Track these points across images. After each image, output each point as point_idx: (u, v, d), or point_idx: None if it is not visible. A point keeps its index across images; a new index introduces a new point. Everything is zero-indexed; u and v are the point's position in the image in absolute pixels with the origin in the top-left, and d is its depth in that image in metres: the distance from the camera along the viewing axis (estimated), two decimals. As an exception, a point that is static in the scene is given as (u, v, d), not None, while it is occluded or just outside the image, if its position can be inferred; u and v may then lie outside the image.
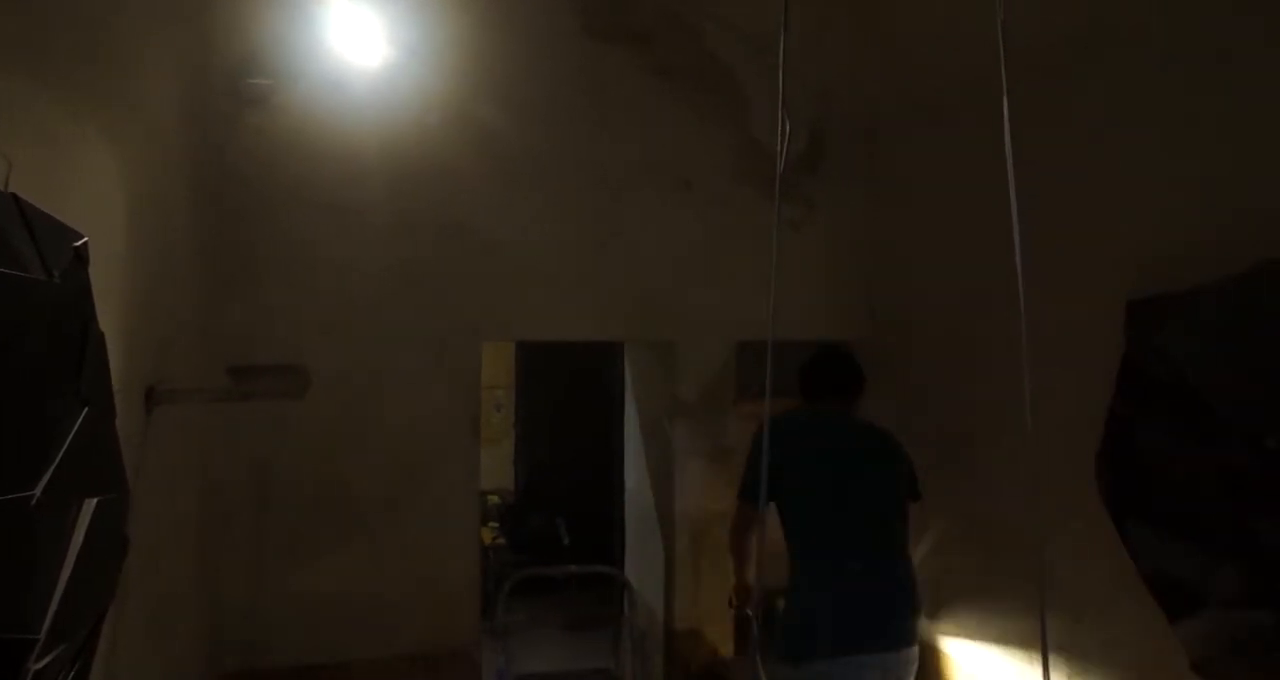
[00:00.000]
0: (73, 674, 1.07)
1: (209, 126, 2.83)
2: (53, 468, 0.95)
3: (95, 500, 1.09)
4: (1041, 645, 1.08)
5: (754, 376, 3.62)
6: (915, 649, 2.39)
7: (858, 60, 3.50)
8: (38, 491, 0.91)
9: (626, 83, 3.33)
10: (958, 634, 3.02)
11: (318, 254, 2.98)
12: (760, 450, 2.45)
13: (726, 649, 3.45)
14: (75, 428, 1.03)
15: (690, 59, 3.39)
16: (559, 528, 5.20)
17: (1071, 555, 2.45)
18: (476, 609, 3.18)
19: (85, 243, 1.14)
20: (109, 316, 1.44)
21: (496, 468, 5.97)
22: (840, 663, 2.27)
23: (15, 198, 0.96)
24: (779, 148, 1.39)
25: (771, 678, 2.26)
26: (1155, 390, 1.97)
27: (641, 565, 3.76)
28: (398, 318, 3.03)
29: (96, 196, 1.72)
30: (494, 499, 5.92)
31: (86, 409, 1.07)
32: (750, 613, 3.18)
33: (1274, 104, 2.01)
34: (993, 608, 2.82)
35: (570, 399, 5.45)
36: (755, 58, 3.34)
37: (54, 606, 0.95)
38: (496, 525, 5.72)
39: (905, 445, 2.66)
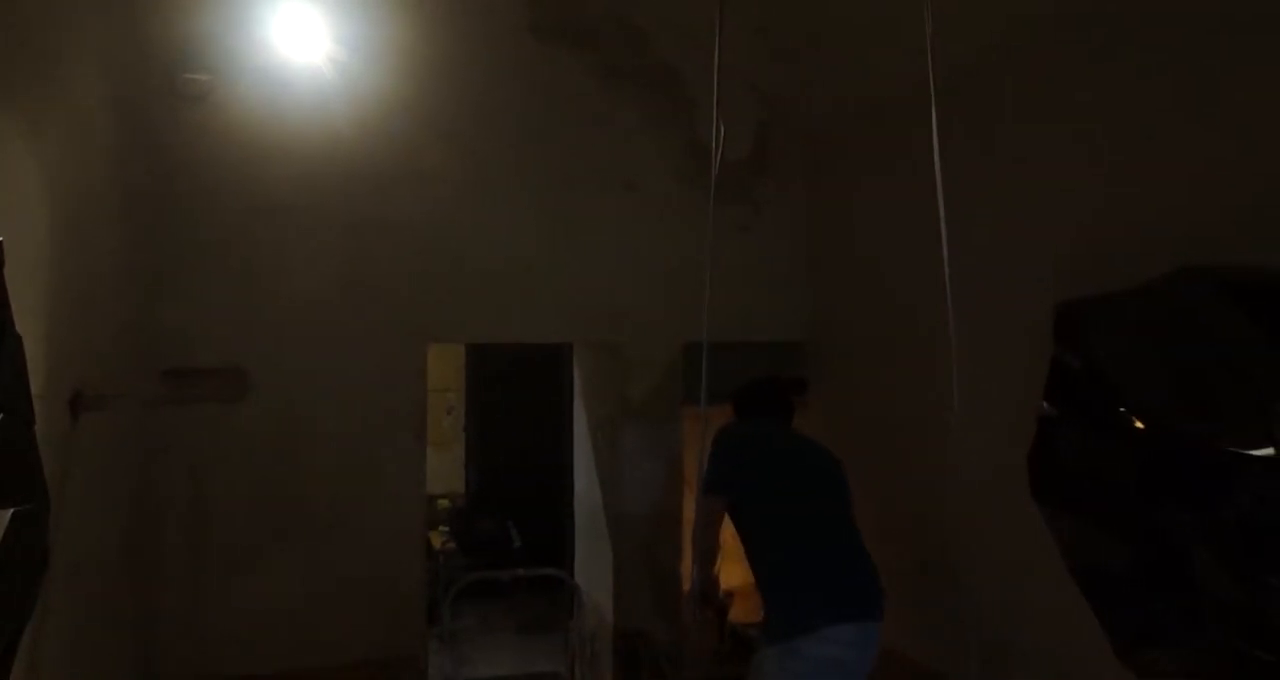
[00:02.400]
0: (-16, 696, 1.04)
1: (144, 123, 2.75)
2: (-40, 477, 0.92)
3: (10, 511, 1.05)
4: (968, 639, 1.11)
5: (699, 380, 3.66)
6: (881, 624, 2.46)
7: (804, 64, 3.55)
8: (-57, 502, 0.88)
9: (572, 83, 3.33)
10: (893, 628, 3.09)
11: (259, 254, 2.92)
12: (725, 448, 2.57)
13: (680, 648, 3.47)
14: (-13, 436, 0.99)
15: (636, 60, 3.40)
16: (510, 531, 5.16)
17: (1005, 550, 2.53)
18: (423, 615, 3.14)
19: (0, 243, 1.10)
20: (29, 319, 1.39)
21: (447, 471, 5.91)
22: (830, 634, 2.31)
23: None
24: (714, 152, 1.39)
25: (769, 665, 2.36)
26: (1081, 390, 2.04)
27: (591, 567, 3.76)
28: (341, 319, 2.98)
29: (13, 194, 1.66)
30: (444, 503, 5.86)
31: (0, 416, 1.04)
32: (723, 599, 3.28)
33: (1189, 115, 2.10)
34: (926, 601, 2.89)
35: (521, 402, 5.42)
36: (701, 60, 3.37)
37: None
38: (447, 529, 5.65)
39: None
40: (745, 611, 3.61)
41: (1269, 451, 1.54)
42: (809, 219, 3.69)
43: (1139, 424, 1.87)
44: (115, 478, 2.46)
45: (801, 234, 3.69)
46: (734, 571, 3.18)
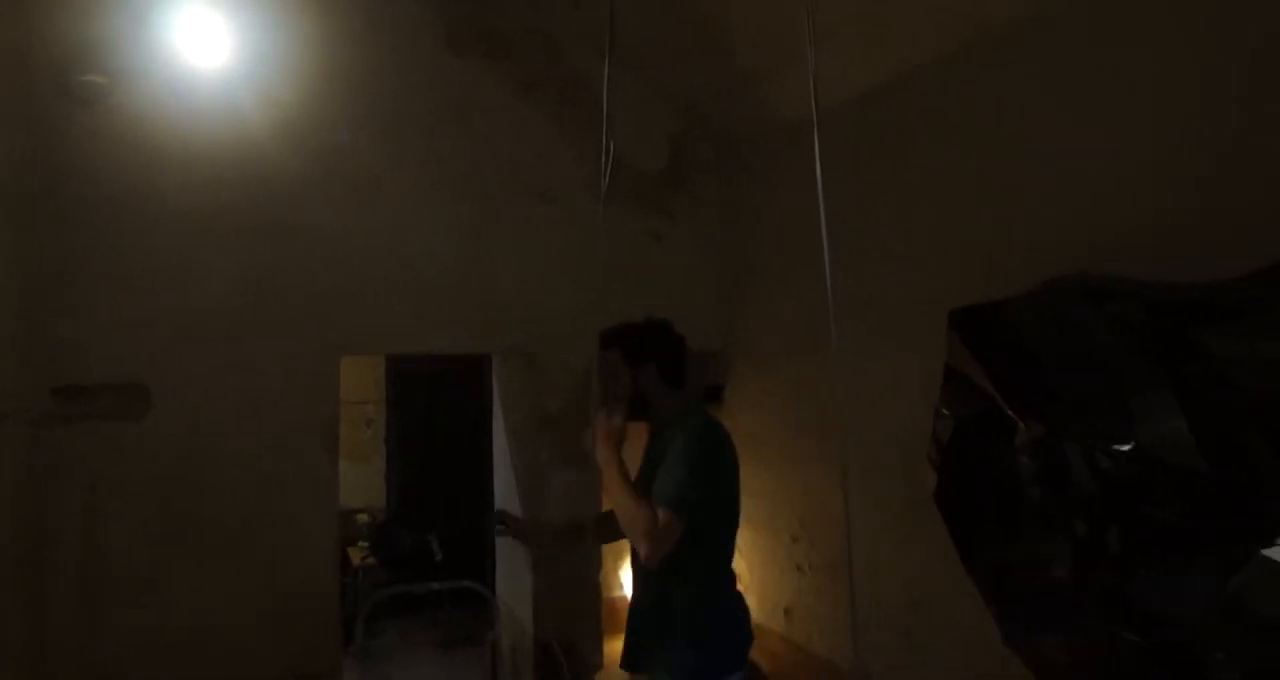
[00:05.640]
0: None
1: (34, 126, 2.63)
2: None
3: None
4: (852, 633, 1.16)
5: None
6: None
7: (718, 78, 3.64)
8: None
9: (489, 95, 3.33)
10: (811, 629, 3.18)
11: (158, 264, 2.81)
12: (715, 464, 2.06)
13: (598, 659, 3.48)
14: None
15: (552, 73, 3.43)
16: (431, 544, 5.08)
17: (909, 549, 2.64)
18: (337, 632, 3.07)
19: None
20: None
21: (366, 485, 5.78)
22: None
23: None
24: (603, 164, 1.43)
25: None
26: (971, 393, 2.16)
27: (513, 578, 3.73)
28: (248, 332, 2.90)
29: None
30: (363, 517, 5.72)
31: None
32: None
33: (1074, 131, 2.25)
34: (828, 597, 2.98)
35: (441, 413, 5.34)
36: (616, 71, 3.41)
37: None
38: (366, 544, 5.52)
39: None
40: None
41: (1130, 446, 1.66)
42: (723, 229, 3.78)
43: (1022, 424, 1.99)
44: (1, 500, 2.34)
45: (715, 244, 3.77)
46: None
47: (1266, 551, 1.47)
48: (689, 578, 2.04)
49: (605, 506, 2.46)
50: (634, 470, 2.17)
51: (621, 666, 2.21)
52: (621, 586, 3.83)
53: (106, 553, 2.70)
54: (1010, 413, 2.02)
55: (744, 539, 3.63)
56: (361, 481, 5.61)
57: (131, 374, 2.75)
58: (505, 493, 3.82)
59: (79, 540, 2.67)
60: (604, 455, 2.07)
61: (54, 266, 2.67)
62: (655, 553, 1.89)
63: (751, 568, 3.58)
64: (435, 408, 5.40)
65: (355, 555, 5.32)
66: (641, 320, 2.28)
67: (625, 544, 3.93)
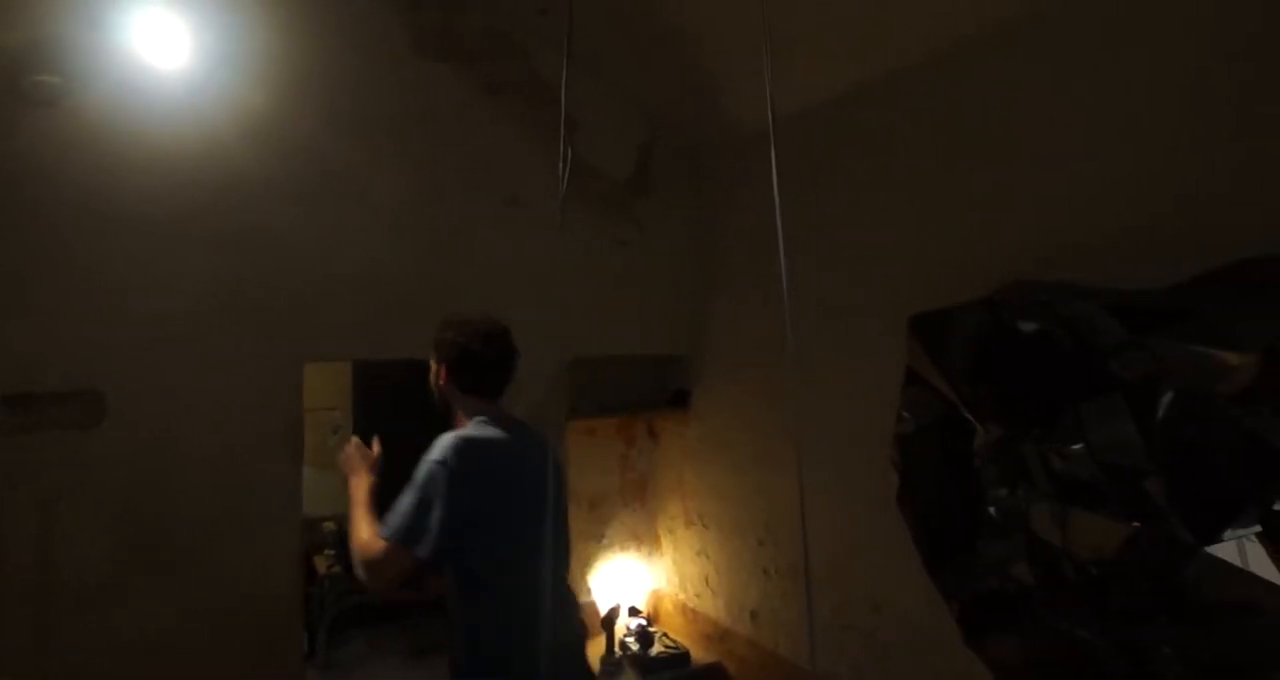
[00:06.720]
0: None
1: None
2: None
3: None
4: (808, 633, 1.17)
5: (586, 393, 3.69)
6: None
7: (683, 86, 3.67)
8: None
9: (456, 99, 3.33)
10: (777, 632, 3.20)
11: (115, 269, 2.76)
12: (448, 486, 1.79)
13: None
14: None
15: (519, 78, 3.43)
16: (399, 552, 5.01)
17: (871, 551, 2.67)
18: (300, 643, 3.03)
19: None
20: None
21: (333, 493, 5.69)
22: None
23: None
24: (560, 174, 1.44)
25: None
26: (931, 397, 2.19)
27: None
28: (208, 338, 2.86)
29: None
30: (329, 525, 5.64)
31: None
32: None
33: (1031, 140, 2.30)
34: (794, 601, 3.00)
35: (410, 419, 5.29)
36: (580, 78, 3.43)
37: None
38: (333, 553, 5.44)
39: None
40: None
41: (1080, 447, 1.70)
42: (689, 236, 3.81)
43: (980, 427, 2.03)
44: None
45: (682, 251, 3.80)
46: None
47: (1209, 547, 1.51)
48: (454, 611, 1.86)
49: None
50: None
51: None
52: (589, 592, 3.83)
53: (61, 564, 2.63)
54: (969, 416, 2.06)
55: (712, 543, 3.64)
56: (326, 489, 5.53)
57: (87, 381, 2.69)
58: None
59: (32, 551, 2.60)
60: (347, 469, 2.08)
61: (7, 270, 2.61)
62: (370, 581, 1.77)
63: (719, 571, 3.59)
64: (403, 414, 5.34)
65: (321, 563, 5.24)
66: (456, 316, 2.11)
67: (593, 550, 3.92)
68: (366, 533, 1.83)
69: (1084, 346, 1.73)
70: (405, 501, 1.81)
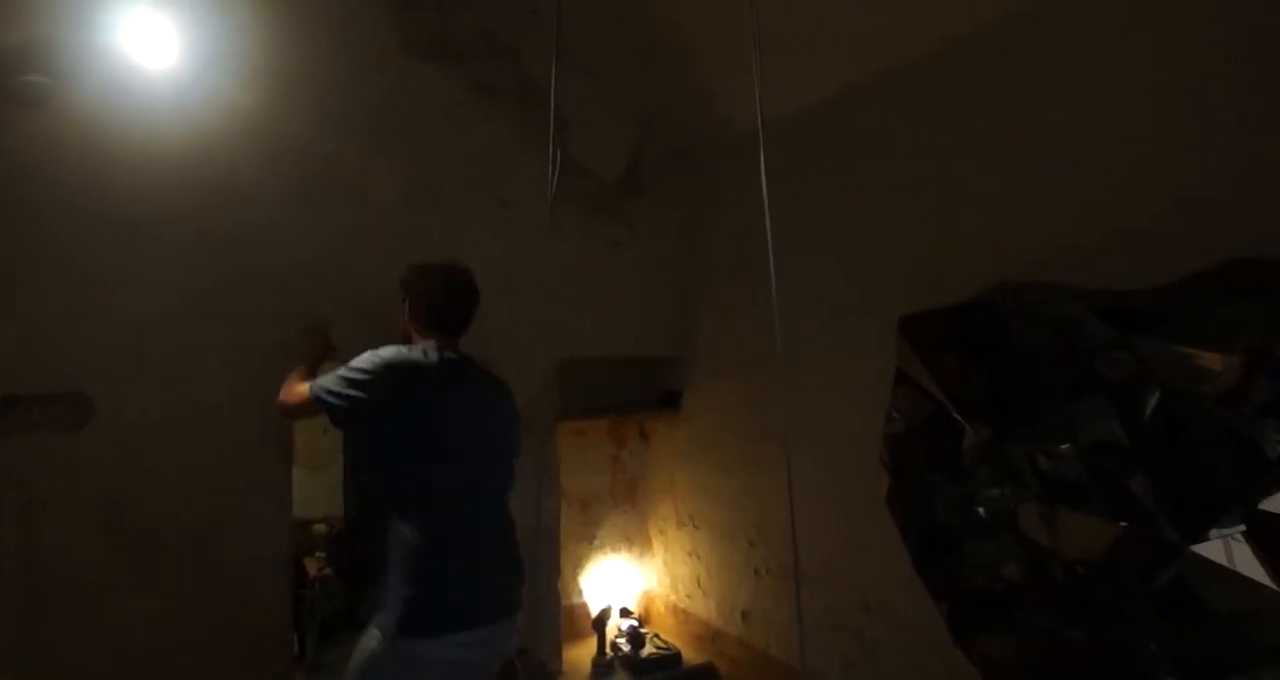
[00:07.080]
0: None
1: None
2: None
3: None
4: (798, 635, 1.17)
5: (576, 395, 3.69)
6: (521, 615, 2.12)
7: (674, 87, 3.67)
8: None
9: (446, 99, 3.32)
10: (769, 633, 3.20)
11: (102, 269, 2.74)
12: (370, 371, 1.98)
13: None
14: None
15: (509, 78, 3.43)
16: (390, 554, 4.99)
17: (862, 551, 2.67)
18: (288, 646, 3.01)
19: None
20: None
21: (323, 494, 5.67)
22: (459, 638, 1.93)
23: None
24: (550, 174, 1.43)
25: (382, 660, 1.91)
26: (921, 397, 2.20)
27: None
28: (196, 339, 2.84)
29: None
30: (320, 528, 5.62)
31: None
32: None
33: (1022, 141, 2.30)
34: (784, 601, 3.01)
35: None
36: (570, 78, 3.43)
37: None
38: (324, 555, 5.42)
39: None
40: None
41: (1068, 447, 1.70)
42: (680, 237, 3.81)
43: (969, 427, 2.03)
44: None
45: (674, 252, 3.80)
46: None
47: (1196, 547, 1.52)
48: (377, 514, 2.01)
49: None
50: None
51: None
52: (580, 593, 3.82)
53: (46, 568, 2.61)
54: (958, 416, 2.07)
55: (703, 544, 3.64)
56: (318, 491, 5.51)
57: (74, 383, 2.67)
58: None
59: (18, 554, 2.58)
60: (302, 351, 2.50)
61: (-8, 271, 2.59)
62: (281, 406, 2.19)
63: (710, 572, 3.59)
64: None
65: (312, 566, 5.22)
66: (421, 262, 2.32)
67: (584, 551, 3.91)
68: (298, 383, 2.18)
69: (1071, 347, 1.74)
70: (331, 375, 2.06)
